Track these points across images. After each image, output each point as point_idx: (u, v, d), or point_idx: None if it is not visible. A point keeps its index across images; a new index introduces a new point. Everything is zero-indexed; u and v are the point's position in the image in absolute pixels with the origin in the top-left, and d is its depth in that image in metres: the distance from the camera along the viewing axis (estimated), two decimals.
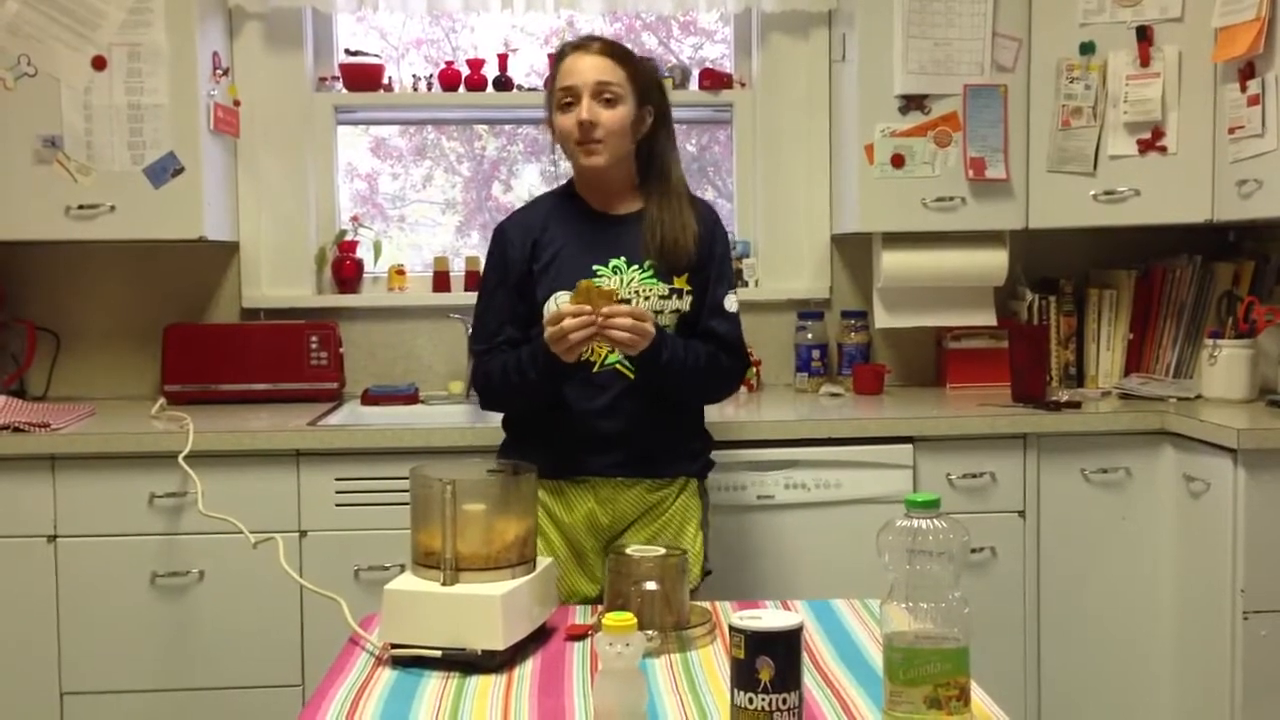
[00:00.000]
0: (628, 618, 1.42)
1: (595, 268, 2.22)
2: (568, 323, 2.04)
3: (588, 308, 2.05)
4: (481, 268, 3.35)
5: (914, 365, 3.50)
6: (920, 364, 3.50)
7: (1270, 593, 2.58)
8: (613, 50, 2.23)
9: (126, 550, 2.70)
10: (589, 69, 2.19)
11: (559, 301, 2.19)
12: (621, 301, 2.15)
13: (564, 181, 2.38)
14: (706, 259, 2.27)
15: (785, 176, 3.47)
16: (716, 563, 2.44)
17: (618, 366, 2.21)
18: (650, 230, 2.23)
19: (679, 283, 2.25)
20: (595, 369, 2.22)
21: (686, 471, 2.33)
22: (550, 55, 2.28)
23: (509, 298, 2.27)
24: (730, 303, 2.29)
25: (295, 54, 3.36)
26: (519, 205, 2.48)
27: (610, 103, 2.19)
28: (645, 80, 2.26)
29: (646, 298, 2.21)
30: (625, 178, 2.29)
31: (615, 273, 2.23)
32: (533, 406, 2.26)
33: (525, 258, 2.25)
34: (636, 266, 2.23)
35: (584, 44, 2.23)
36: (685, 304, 2.25)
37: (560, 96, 2.21)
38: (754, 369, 3.35)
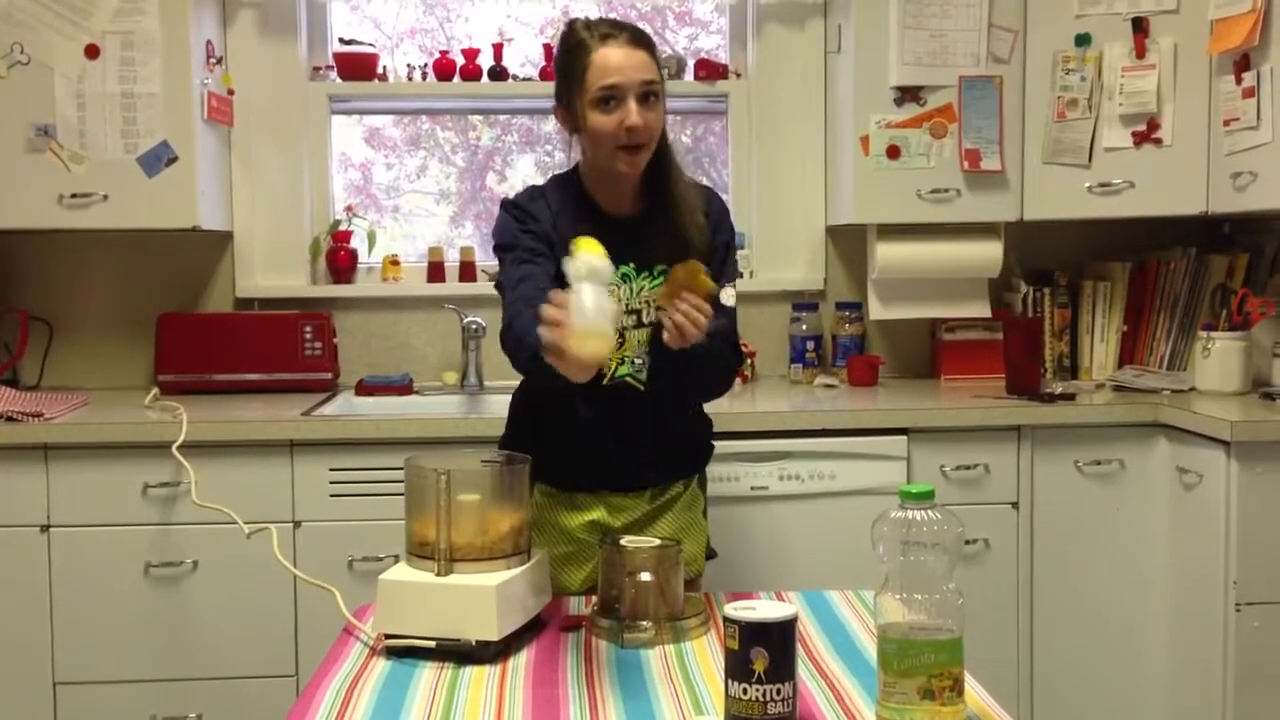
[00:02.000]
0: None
1: None
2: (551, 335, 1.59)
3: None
4: (476, 257, 3.41)
5: (908, 357, 3.50)
6: (914, 356, 3.51)
7: (1262, 585, 2.58)
8: (645, 41, 2.04)
9: (120, 540, 2.70)
10: (633, 66, 1.99)
11: None
12: (633, 312, 2.07)
13: (563, 170, 2.18)
14: (710, 251, 2.13)
15: (780, 167, 3.46)
16: None
17: (628, 379, 2.10)
18: (661, 236, 2.08)
19: None
20: (605, 381, 2.07)
21: (696, 469, 2.28)
22: (563, 42, 2.06)
23: (543, 262, 2.00)
24: (728, 296, 2.13)
25: (289, 43, 3.35)
26: (518, 190, 2.21)
27: (653, 103, 2.01)
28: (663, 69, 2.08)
29: (659, 307, 2.01)
30: (639, 177, 2.10)
31: (625, 280, 2.08)
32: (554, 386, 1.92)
33: (547, 234, 2.04)
34: (646, 274, 2.10)
35: (613, 34, 2.02)
36: None
37: (599, 94, 1.98)
38: (749, 360, 3.35)
